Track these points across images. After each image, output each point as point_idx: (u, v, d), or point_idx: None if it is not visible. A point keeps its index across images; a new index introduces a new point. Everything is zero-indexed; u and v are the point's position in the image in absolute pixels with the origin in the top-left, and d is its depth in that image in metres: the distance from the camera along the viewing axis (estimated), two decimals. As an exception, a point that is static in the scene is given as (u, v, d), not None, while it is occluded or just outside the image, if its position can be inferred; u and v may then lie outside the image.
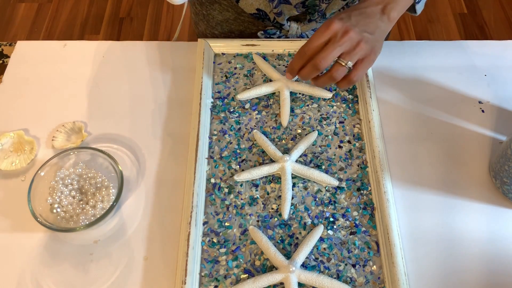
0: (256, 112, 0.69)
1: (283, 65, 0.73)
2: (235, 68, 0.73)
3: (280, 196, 0.61)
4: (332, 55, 0.57)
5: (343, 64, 0.58)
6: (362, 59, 0.59)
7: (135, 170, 0.65)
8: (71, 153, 0.63)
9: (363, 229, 0.59)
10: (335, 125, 0.67)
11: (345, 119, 0.68)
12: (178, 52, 0.77)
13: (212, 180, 0.63)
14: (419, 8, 0.65)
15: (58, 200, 0.60)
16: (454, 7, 1.98)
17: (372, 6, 0.60)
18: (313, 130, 0.67)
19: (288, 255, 0.57)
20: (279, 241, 0.58)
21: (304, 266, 0.56)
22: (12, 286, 0.56)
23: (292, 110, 0.69)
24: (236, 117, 0.68)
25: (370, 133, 0.65)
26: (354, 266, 0.56)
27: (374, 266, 0.56)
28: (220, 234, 0.59)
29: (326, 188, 0.62)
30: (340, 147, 0.66)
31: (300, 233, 0.59)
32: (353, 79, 0.60)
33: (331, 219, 0.59)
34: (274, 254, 0.55)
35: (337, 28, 0.57)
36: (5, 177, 0.64)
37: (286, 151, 0.65)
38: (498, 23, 1.92)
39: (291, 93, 0.70)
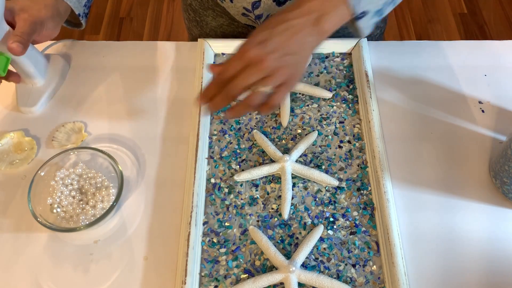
0: (256, 112, 0.69)
1: (283, 65, 0.73)
2: (235, 68, 0.73)
3: (280, 196, 0.61)
4: (243, 85, 0.52)
5: (260, 90, 0.53)
6: (281, 84, 0.54)
7: (135, 170, 0.65)
8: (71, 153, 0.63)
9: (363, 229, 0.59)
10: (335, 125, 0.67)
11: (345, 119, 0.68)
12: (178, 52, 0.77)
13: (212, 180, 0.63)
14: (365, 26, 0.57)
15: (58, 200, 0.60)
16: (454, 7, 1.98)
17: (302, 17, 0.53)
18: (313, 130, 0.67)
19: (288, 255, 0.57)
20: (279, 241, 0.58)
21: (304, 266, 0.56)
22: (12, 286, 0.56)
23: (292, 110, 0.69)
24: (236, 117, 0.68)
25: (370, 133, 0.65)
26: (354, 266, 0.56)
27: (374, 266, 0.56)
28: (220, 234, 0.59)
29: (326, 188, 0.62)
30: (340, 147, 0.66)
31: (300, 233, 0.59)
32: (273, 103, 0.55)
33: (331, 219, 0.59)
34: (274, 254, 0.55)
35: (252, 56, 0.52)
36: (5, 177, 0.64)
37: (286, 151, 0.65)
38: (498, 23, 1.92)
39: (291, 93, 0.70)
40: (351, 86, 0.71)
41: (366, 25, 0.58)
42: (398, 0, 0.59)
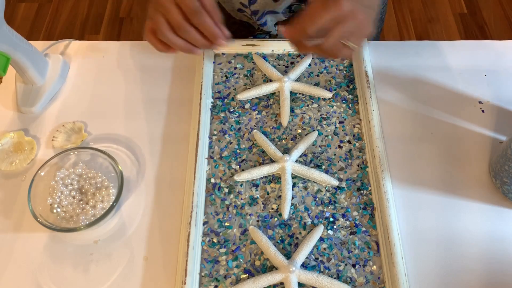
0: (256, 112, 0.69)
1: (283, 65, 0.73)
2: (235, 68, 0.73)
3: (280, 196, 0.61)
4: (337, 39, 0.54)
5: (348, 45, 0.55)
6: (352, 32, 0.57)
7: (135, 170, 0.65)
8: (71, 153, 0.63)
9: (363, 229, 0.59)
10: (335, 125, 0.67)
11: (345, 119, 0.68)
12: (178, 52, 0.76)
13: (212, 180, 0.63)
14: None
15: (58, 200, 0.60)
16: (454, 7, 1.98)
17: None
18: (313, 130, 0.67)
19: (288, 255, 0.57)
20: (279, 241, 0.58)
21: (304, 266, 0.56)
22: (12, 286, 0.56)
23: (292, 110, 0.69)
24: (236, 117, 0.68)
25: (370, 133, 0.65)
26: (354, 266, 0.56)
27: (374, 266, 0.56)
28: (220, 234, 0.59)
29: (326, 188, 0.62)
30: (340, 147, 0.66)
31: (300, 233, 0.59)
32: (352, 53, 0.58)
33: (331, 219, 0.59)
34: (274, 254, 0.55)
35: (346, 9, 0.52)
36: (5, 177, 0.64)
37: (286, 151, 0.65)
38: (498, 23, 1.92)
39: (291, 93, 0.70)
40: (351, 86, 0.71)
41: None
42: None
